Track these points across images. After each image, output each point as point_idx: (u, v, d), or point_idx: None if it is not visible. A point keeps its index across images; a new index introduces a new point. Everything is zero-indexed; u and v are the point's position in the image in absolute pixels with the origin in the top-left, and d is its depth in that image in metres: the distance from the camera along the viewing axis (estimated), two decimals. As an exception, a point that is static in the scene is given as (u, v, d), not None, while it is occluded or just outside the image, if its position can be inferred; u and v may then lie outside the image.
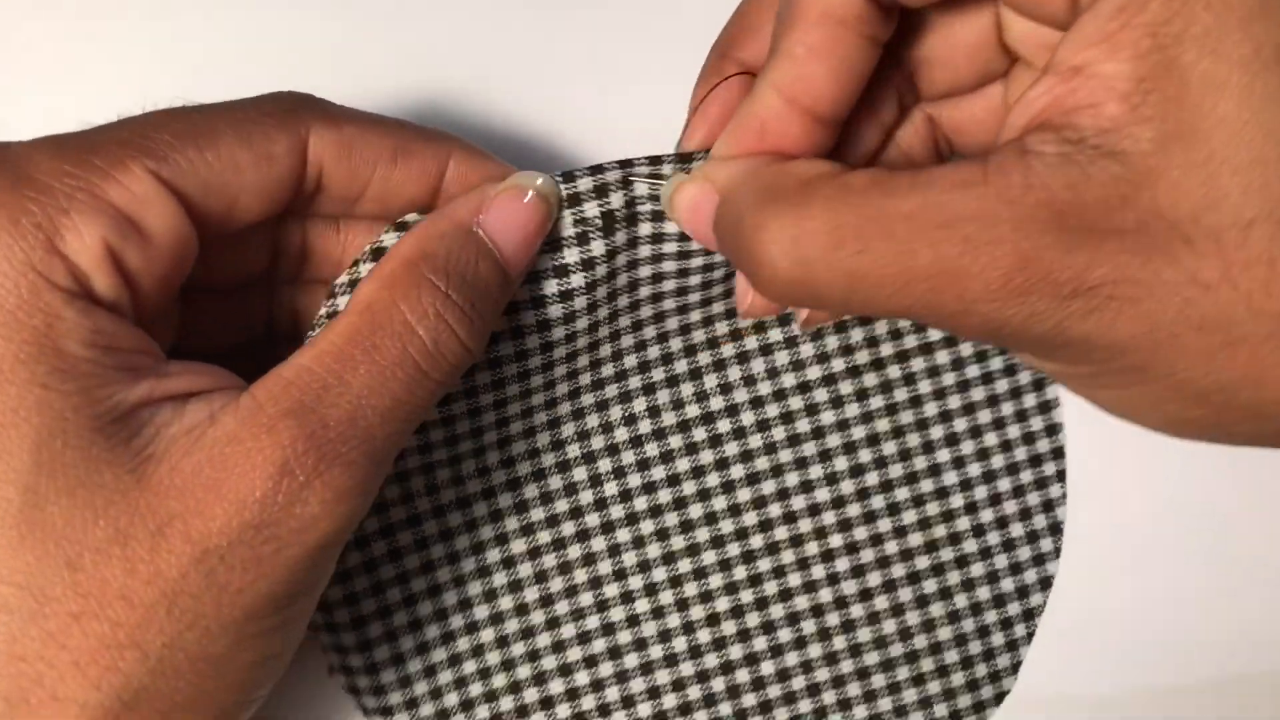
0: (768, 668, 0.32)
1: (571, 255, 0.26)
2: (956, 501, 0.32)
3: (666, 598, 0.31)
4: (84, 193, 0.21)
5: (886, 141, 0.27)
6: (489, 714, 0.31)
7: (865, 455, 0.32)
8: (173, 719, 0.21)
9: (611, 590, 0.31)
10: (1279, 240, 0.19)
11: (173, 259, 0.22)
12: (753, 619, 0.32)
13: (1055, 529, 0.32)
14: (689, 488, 0.32)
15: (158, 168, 0.22)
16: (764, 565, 0.32)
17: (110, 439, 0.20)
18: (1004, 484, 0.32)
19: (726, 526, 0.32)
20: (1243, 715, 0.33)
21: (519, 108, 0.33)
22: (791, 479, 0.32)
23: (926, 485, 0.32)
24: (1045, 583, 0.32)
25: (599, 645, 0.31)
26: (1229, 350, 0.20)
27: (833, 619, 0.32)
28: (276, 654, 0.23)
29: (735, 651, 0.32)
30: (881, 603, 0.32)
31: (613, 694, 0.31)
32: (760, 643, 0.32)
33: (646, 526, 0.31)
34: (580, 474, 0.31)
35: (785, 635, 0.32)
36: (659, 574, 0.31)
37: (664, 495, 0.32)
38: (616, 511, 0.31)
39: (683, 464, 0.32)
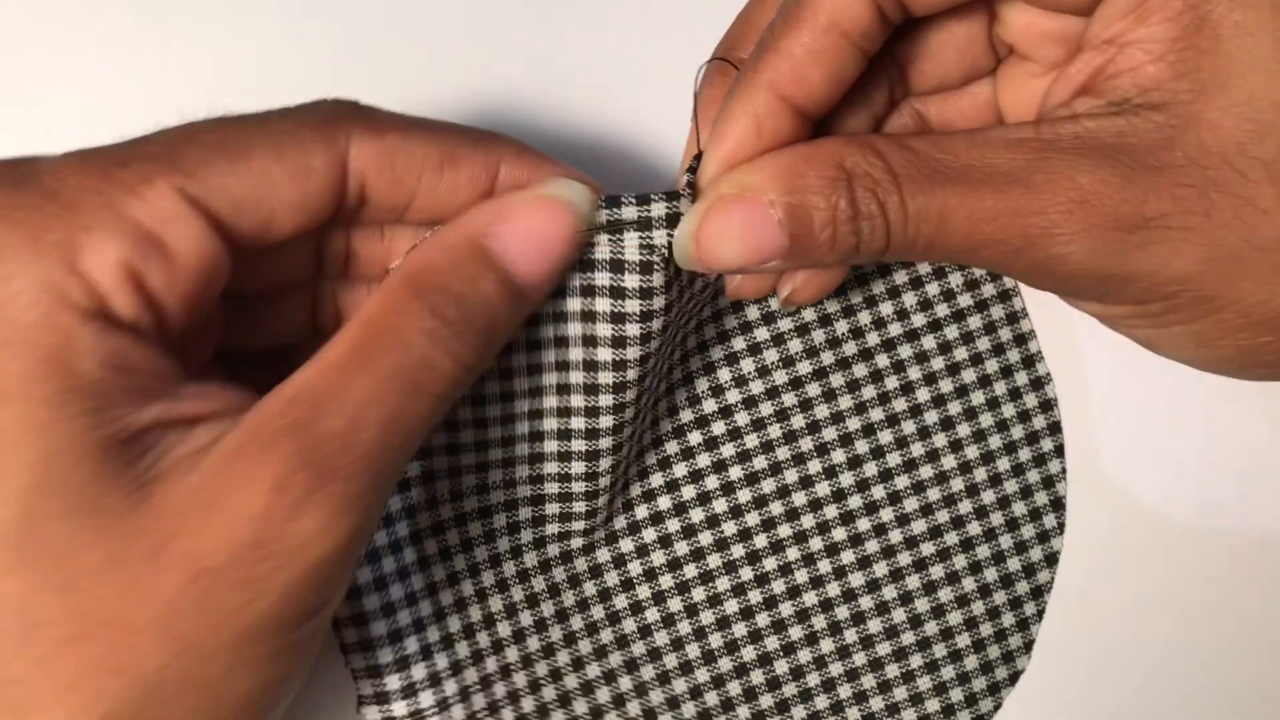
0: (781, 667, 0.31)
1: (657, 279, 0.25)
2: (957, 485, 0.32)
3: (675, 605, 0.31)
4: (107, 210, 0.20)
5: (877, 130, 0.27)
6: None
7: (862, 446, 0.32)
8: None
9: (620, 601, 0.31)
10: None
11: (199, 278, 0.21)
12: (763, 619, 0.31)
13: (1057, 504, 0.32)
14: (688, 492, 0.31)
15: (185, 184, 0.21)
16: (769, 564, 0.31)
17: (115, 461, 0.20)
18: (1003, 463, 0.32)
19: (729, 529, 0.31)
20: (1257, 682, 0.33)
21: (581, 108, 0.31)
22: (790, 476, 0.32)
23: (926, 471, 0.32)
24: (1051, 559, 0.32)
25: (615, 660, 0.31)
26: None
27: (842, 613, 0.31)
28: (281, 680, 0.22)
29: (748, 653, 0.31)
30: (889, 593, 0.32)
31: (634, 709, 0.31)
32: (772, 642, 0.31)
33: (649, 534, 0.31)
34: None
35: (796, 633, 0.31)
36: (665, 581, 0.31)
37: (663, 502, 0.31)
38: (619, 523, 0.31)
39: (679, 469, 0.31)
